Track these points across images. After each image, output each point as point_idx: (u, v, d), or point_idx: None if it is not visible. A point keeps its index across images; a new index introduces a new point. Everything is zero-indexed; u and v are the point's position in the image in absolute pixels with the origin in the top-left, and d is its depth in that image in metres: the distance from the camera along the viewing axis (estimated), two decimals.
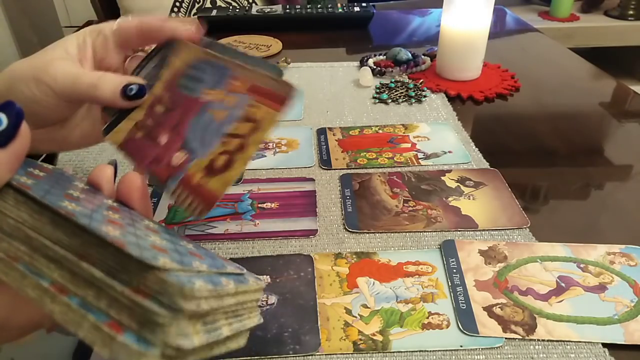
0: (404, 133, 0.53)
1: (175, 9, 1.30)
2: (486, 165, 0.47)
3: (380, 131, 0.54)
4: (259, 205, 0.42)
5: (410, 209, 0.42)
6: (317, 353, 0.30)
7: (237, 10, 0.88)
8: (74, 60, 0.33)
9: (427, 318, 0.32)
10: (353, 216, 0.41)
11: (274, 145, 0.51)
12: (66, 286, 0.18)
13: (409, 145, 0.51)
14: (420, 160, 0.48)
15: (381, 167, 0.47)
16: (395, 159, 0.49)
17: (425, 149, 0.50)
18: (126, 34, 0.34)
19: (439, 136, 0.53)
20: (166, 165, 0.30)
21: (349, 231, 0.39)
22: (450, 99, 0.61)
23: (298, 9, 0.88)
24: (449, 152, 0.50)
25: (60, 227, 0.19)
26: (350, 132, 0.53)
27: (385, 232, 0.39)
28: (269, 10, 0.88)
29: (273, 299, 0.33)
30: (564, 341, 0.30)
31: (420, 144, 0.51)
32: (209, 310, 0.19)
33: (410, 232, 0.39)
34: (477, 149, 0.50)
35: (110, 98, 0.32)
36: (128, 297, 0.17)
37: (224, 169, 0.28)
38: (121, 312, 0.17)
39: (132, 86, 0.32)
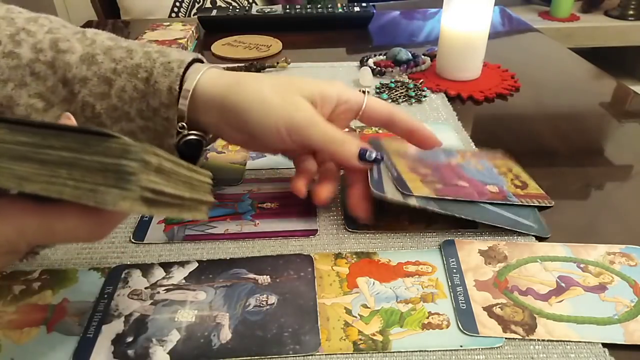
0: None
1: (175, 9, 1.30)
2: None
3: (381, 131, 0.54)
4: (259, 205, 0.42)
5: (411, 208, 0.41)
6: (317, 353, 0.30)
7: (237, 10, 0.88)
8: (314, 109, 0.37)
9: (427, 318, 0.32)
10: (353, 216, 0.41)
11: None
12: (39, 173, 0.20)
13: None
14: None
15: None
16: None
17: None
18: (373, 115, 0.40)
19: (439, 136, 0.52)
20: (490, 193, 0.41)
21: (349, 231, 0.39)
22: (450, 99, 0.61)
23: (298, 9, 0.88)
24: None
25: (18, 132, 0.21)
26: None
27: (385, 232, 0.39)
28: (269, 10, 0.88)
29: (273, 299, 0.33)
30: (564, 341, 0.30)
31: None
32: (169, 171, 0.22)
33: (410, 232, 0.39)
34: (477, 149, 0.50)
35: (350, 158, 0.37)
36: (99, 162, 0.19)
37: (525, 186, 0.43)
38: (96, 177, 0.20)
39: (371, 152, 0.37)
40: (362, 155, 0.37)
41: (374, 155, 0.37)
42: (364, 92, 0.41)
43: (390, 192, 0.38)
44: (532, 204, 0.41)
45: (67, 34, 0.36)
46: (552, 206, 0.41)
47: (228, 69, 0.68)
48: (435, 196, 0.38)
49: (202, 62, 0.39)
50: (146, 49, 0.37)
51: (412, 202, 0.38)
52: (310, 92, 0.37)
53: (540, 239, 0.38)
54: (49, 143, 0.20)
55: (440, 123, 0.55)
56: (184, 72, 0.36)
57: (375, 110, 0.39)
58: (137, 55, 0.36)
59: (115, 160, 0.19)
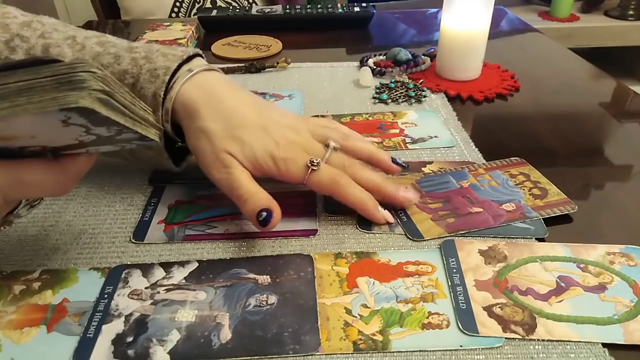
0: (392, 120, 0.56)
1: (176, 9, 1.30)
2: None
3: (370, 118, 0.56)
4: None
5: None
6: (317, 353, 0.30)
7: (237, 10, 0.88)
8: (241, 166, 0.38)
9: (427, 318, 0.32)
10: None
11: None
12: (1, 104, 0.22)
13: (397, 131, 0.54)
14: (407, 145, 0.51)
15: None
16: (384, 143, 0.51)
17: (412, 134, 0.53)
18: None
19: (426, 122, 0.55)
20: (507, 213, 0.40)
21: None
22: (450, 99, 0.61)
23: (298, 9, 0.88)
24: (435, 136, 0.52)
25: None
26: (342, 120, 0.56)
27: (385, 232, 0.39)
28: (269, 10, 0.88)
29: (273, 299, 0.33)
30: (563, 341, 0.30)
31: (407, 129, 0.54)
32: (114, 84, 0.24)
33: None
34: (476, 149, 0.50)
35: (249, 218, 0.37)
36: (52, 80, 0.22)
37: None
38: (52, 93, 0.22)
39: (263, 212, 0.36)
40: (257, 216, 0.36)
41: (264, 215, 0.36)
42: (327, 146, 0.40)
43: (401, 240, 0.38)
44: (552, 215, 0.39)
45: (58, 39, 0.37)
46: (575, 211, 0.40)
47: (228, 69, 0.68)
48: (448, 234, 0.38)
49: (201, 56, 0.41)
50: (133, 55, 0.38)
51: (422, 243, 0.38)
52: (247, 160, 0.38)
53: (540, 238, 0.38)
54: (3, 82, 0.22)
55: (427, 110, 0.58)
56: (171, 78, 0.38)
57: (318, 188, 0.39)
58: (124, 61, 0.38)
59: (65, 76, 0.22)
